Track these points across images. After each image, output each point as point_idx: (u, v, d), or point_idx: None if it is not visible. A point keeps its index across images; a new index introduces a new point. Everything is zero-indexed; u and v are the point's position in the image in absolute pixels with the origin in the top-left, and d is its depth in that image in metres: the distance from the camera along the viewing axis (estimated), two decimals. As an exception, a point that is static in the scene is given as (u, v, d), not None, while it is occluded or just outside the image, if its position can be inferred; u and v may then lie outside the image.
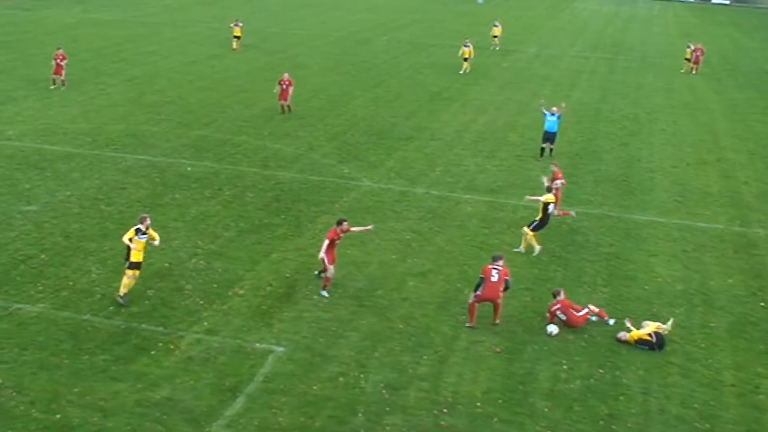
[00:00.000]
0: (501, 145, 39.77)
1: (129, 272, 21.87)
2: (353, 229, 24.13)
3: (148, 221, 22.34)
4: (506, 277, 21.88)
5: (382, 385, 19.01)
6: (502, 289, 21.76)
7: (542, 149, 37.01)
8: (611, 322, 22.19)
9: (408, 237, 27.40)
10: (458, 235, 27.96)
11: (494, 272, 21.67)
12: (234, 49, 59.67)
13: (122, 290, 21.86)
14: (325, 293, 23.05)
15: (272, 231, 27.28)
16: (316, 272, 24.00)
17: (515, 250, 26.78)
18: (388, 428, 17.47)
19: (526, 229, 26.80)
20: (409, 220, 28.70)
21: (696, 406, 19.00)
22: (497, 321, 21.89)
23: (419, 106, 46.85)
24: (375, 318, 22.02)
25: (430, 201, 31.19)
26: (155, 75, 50.85)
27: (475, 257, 26.19)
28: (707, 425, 18.33)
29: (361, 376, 19.31)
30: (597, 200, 32.50)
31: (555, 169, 30.33)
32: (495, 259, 22.08)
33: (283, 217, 28.64)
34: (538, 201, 26.79)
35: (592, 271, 25.88)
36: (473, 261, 25.87)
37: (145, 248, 22.17)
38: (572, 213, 29.12)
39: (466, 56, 57.02)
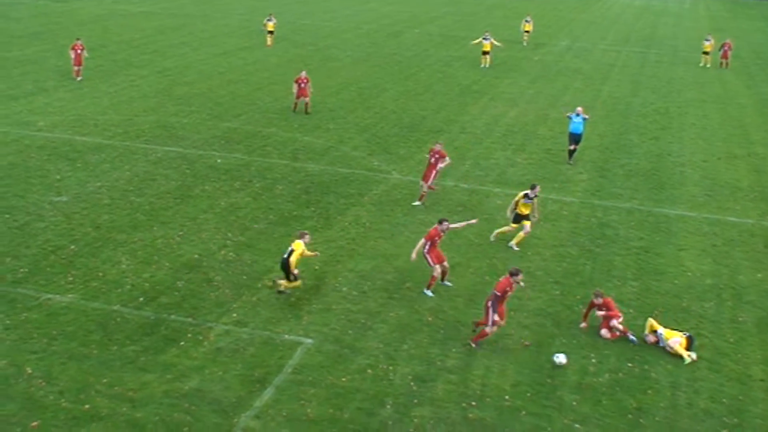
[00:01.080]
0: (531, 138, 39.66)
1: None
2: (454, 225, 24.10)
3: (308, 237, 22.65)
4: (495, 290, 20.38)
5: (410, 377, 19.08)
6: (489, 301, 20.55)
7: (570, 152, 35.93)
8: (634, 339, 21.45)
9: (462, 228, 27.15)
10: (488, 228, 27.90)
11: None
12: (268, 46, 59.64)
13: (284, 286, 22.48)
14: (429, 292, 23.10)
15: (301, 223, 27.41)
16: (443, 282, 23.67)
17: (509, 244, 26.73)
18: (416, 420, 17.55)
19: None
20: (438, 213, 28.68)
21: (724, 400, 18.91)
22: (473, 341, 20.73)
23: (449, 99, 46.80)
24: (404, 310, 22.09)
25: (459, 194, 31.20)
26: (186, 67, 51.18)
27: (505, 250, 26.19)
28: (735, 420, 18.25)
29: (390, 368, 19.38)
30: (627, 194, 32.34)
31: (439, 147, 30.07)
32: (513, 274, 20.41)
33: (312, 209, 28.78)
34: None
35: (622, 265, 25.78)
36: (502, 254, 25.89)
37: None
38: (426, 188, 29.69)
39: (486, 50, 56.69)
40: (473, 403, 18.24)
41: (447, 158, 29.89)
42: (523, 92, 49.74)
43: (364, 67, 54.46)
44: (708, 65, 61.65)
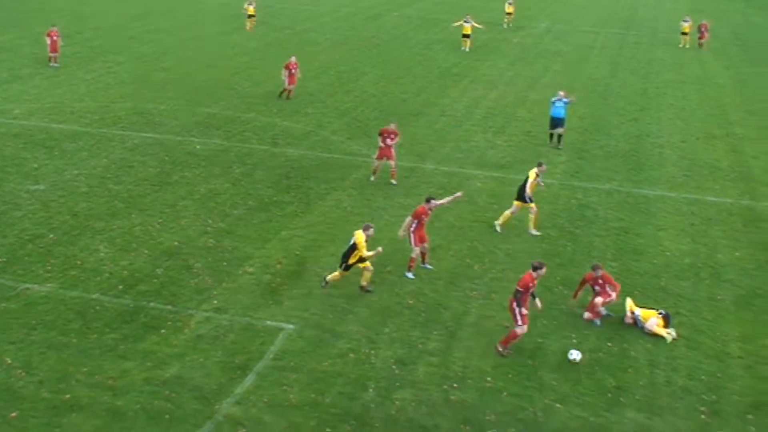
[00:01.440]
0: (511, 120, 39.71)
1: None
2: (440, 201, 24.04)
3: (371, 231, 22.06)
4: (517, 286, 19.76)
5: (392, 360, 19.12)
6: (513, 301, 19.77)
7: (551, 135, 35.80)
8: (598, 322, 21.48)
9: (449, 203, 27.10)
10: (468, 210, 27.99)
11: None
12: (247, 30, 59.29)
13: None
14: (410, 275, 23.09)
15: (282, 208, 27.36)
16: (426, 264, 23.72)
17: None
18: (397, 403, 17.60)
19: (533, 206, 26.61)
20: (418, 196, 28.68)
21: (703, 377, 19.07)
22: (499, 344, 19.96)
23: (429, 82, 46.77)
24: (385, 294, 22.11)
25: (439, 177, 31.23)
26: (163, 53, 50.88)
27: (485, 233, 26.26)
28: (714, 397, 18.41)
29: (371, 352, 19.41)
30: (606, 175, 32.45)
31: (393, 127, 30.28)
32: (532, 267, 19.93)
33: (292, 194, 28.72)
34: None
35: (602, 245, 25.90)
36: (483, 237, 25.95)
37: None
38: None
39: (467, 33, 56.54)
40: (455, 385, 18.31)
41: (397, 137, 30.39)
42: (503, 75, 49.75)
43: (343, 50, 54.31)
44: (687, 46, 61.81)
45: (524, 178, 26.68)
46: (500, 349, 19.59)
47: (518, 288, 19.54)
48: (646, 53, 59.06)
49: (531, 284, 19.54)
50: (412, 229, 22.93)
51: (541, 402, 17.91)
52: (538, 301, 19.99)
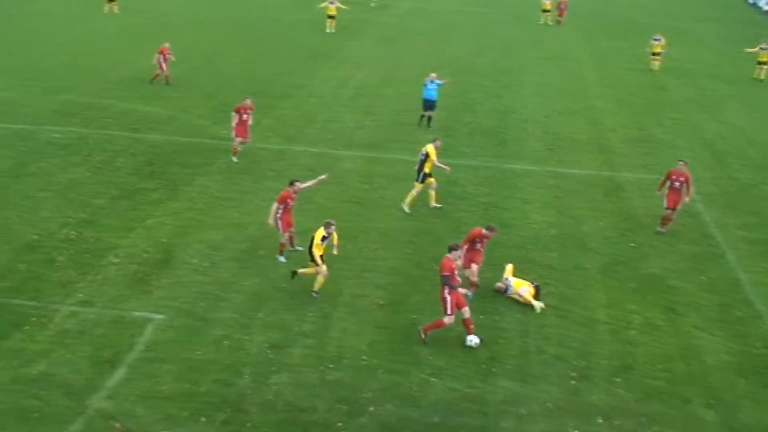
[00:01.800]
0: (378, 100, 39.85)
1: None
2: (305, 184, 23.62)
3: (333, 228, 21.17)
4: (443, 273, 19.26)
5: (266, 345, 18.90)
6: (445, 289, 19.28)
7: (422, 117, 35.79)
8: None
9: (312, 186, 26.94)
10: (338, 191, 27.94)
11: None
12: (107, 12, 57.24)
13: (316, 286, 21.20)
14: (282, 258, 22.77)
15: (146, 196, 26.65)
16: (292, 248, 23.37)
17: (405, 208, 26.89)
18: (274, 387, 17.42)
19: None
20: (287, 178, 28.38)
21: (573, 344, 19.62)
22: (424, 330, 19.55)
23: (296, 63, 46.44)
24: (257, 279, 21.84)
25: (308, 158, 31.04)
26: (14, 39, 48.70)
27: (356, 213, 26.27)
28: (583, 362, 18.97)
29: (246, 337, 19.14)
30: (473, 151, 32.95)
31: (249, 102, 30.48)
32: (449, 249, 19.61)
33: (157, 181, 28.00)
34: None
35: (471, 220, 26.24)
36: (354, 217, 25.94)
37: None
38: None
39: (332, 14, 56.33)
40: (331, 366, 18.26)
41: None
42: (369, 54, 49.88)
43: (206, 32, 53.30)
44: (549, 23, 63.32)
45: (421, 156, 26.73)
46: (423, 336, 19.42)
47: (444, 274, 19.16)
48: (507, 31, 60.27)
49: (454, 265, 19.30)
50: (279, 214, 22.68)
51: (417, 377, 18.06)
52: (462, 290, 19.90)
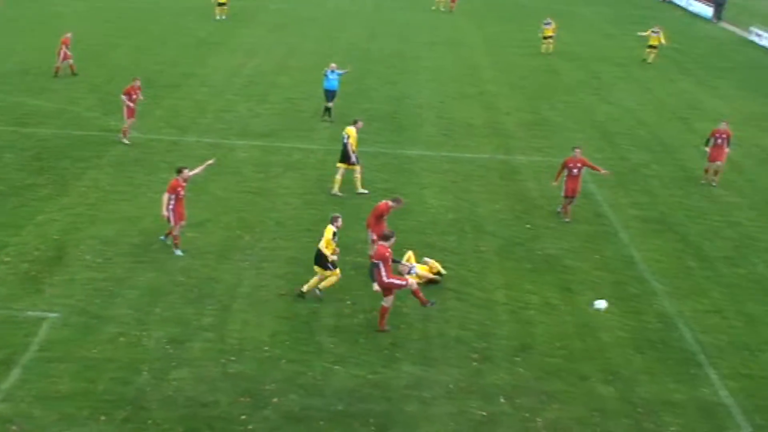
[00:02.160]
0: (272, 88, 39.49)
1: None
2: (193, 172, 23.07)
3: (341, 221, 20.69)
4: (374, 260, 19.28)
5: (165, 340, 18.52)
6: (383, 275, 19.12)
7: (327, 109, 34.90)
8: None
9: (200, 173, 26.48)
10: (234, 181, 27.60)
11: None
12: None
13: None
14: (179, 252, 22.26)
15: (35, 192, 25.78)
16: (163, 236, 22.88)
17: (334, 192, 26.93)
18: (175, 383, 17.10)
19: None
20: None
21: (473, 327, 19.84)
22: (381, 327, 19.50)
23: (186, 52, 45.62)
24: (153, 273, 21.38)
25: (202, 149, 30.52)
26: None
27: (252, 203, 26.00)
28: (484, 343, 19.21)
29: (143, 333, 18.72)
30: (370, 138, 32.85)
31: (138, 83, 30.64)
32: (382, 237, 19.74)
33: (46, 176, 27.11)
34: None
35: (370, 207, 26.04)
36: (250, 207, 25.67)
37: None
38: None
39: (222, 1, 55.44)
40: (232, 358, 18.02)
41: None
42: (262, 42, 49.36)
43: (91, 22, 51.75)
44: (441, 8, 63.79)
45: (342, 140, 26.86)
46: (385, 329, 19.31)
47: (375, 261, 19.06)
48: (401, 17, 60.44)
49: (388, 254, 19.19)
50: (171, 205, 22.19)
51: (320, 366, 17.98)
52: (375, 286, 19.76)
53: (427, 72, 44.73)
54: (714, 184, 30.18)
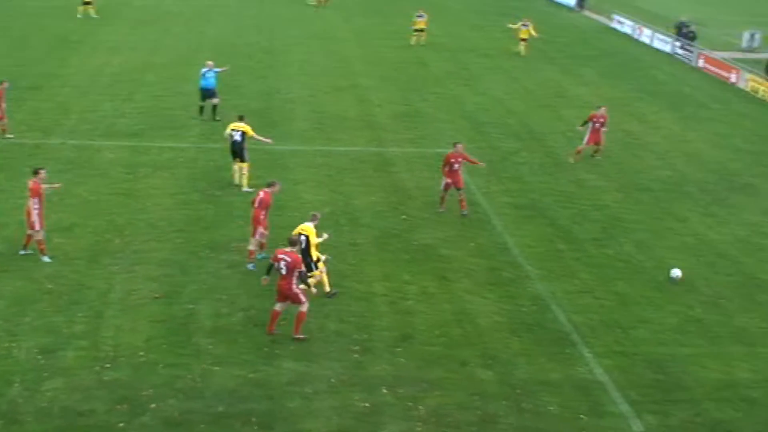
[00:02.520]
0: (138, 86, 38.55)
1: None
2: (52, 185, 22.49)
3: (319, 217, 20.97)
4: (298, 269, 18.75)
5: (36, 350, 17.86)
6: (293, 283, 18.78)
7: (201, 107, 34.10)
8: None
9: (47, 192, 25.74)
10: (102, 184, 26.83)
11: (282, 263, 18.72)
12: None
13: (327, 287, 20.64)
14: (46, 258, 21.53)
15: None
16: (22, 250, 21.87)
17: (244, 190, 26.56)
18: (48, 393, 16.50)
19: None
20: (48, 174, 26.98)
21: (352, 319, 19.84)
22: (296, 335, 18.95)
23: (46, 51, 44.08)
24: (20, 281, 20.57)
25: (67, 151, 29.56)
26: None
27: (122, 205, 25.34)
28: (365, 335, 19.24)
29: (12, 344, 18.00)
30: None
31: (5, 86, 30.22)
32: (290, 244, 19.24)
33: None
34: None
35: (243, 205, 25.82)
36: (120, 210, 25.01)
37: None
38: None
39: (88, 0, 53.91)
40: (107, 365, 17.50)
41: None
42: (126, 39, 48.12)
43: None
44: (310, 2, 63.51)
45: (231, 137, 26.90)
46: (300, 336, 18.88)
47: (298, 270, 18.66)
48: (268, 11, 59.91)
49: (40, 189, 19.33)
50: (37, 210, 21.36)
51: (198, 368, 17.65)
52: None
53: (297, 66, 44.48)
54: (598, 156, 32.20)
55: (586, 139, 31.81)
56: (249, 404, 16.65)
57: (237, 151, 26.92)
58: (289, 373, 17.69)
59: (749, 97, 44.83)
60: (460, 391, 17.56)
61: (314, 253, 20.49)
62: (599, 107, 32.50)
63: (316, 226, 20.69)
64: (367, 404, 16.91)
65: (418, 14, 52.21)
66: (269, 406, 16.64)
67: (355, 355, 18.52)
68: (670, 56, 54.78)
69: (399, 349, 18.87)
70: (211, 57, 40.66)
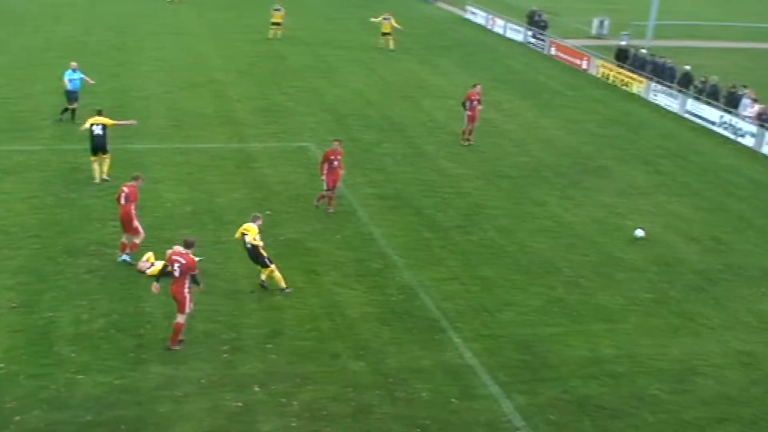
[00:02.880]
0: (-17, 88, 36.82)
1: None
2: None
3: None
4: (192, 272, 18.27)
5: None
6: (186, 286, 18.23)
7: (65, 110, 32.60)
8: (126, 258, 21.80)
9: None
10: (-51, 193, 25.51)
11: (176, 265, 18.21)
12: None
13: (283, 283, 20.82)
14: None
15: None
16: None
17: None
18: None
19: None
20: None
21: (221, 318, 19.51)
22: (172, 346, 18.33)
23: None
24: None
25: None
26: None
27: (-31, 211, 24.16)
28: (234, 334, 18.96)
29: None
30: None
31: None
32: (186, 245, 18.60)
33: None
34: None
35: (100, 206, 25.12)
36: (-34, 215, 23.84)
37: None
38: None
39: None
40: (-38, 382, 16.67)
41: None
42: (-34, 40, 45.90)
43: None
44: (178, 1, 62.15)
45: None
46: (175, 348, 18.19)
47: (191, 273, 18.09)
48: (119, 7, 58.25)
49: (195, 263, 18.28)
50: None
51: (62, 377, 17.00)
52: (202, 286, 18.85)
53: (151, 63, 43.41)
54: (471, 142, 33.22)
55: (466, 118, 33.11)
56: (117, 411, 16.14)
57: (99, 145, 26.55)
58: (157, 378, 17.24)
59: (600, 83, 46.48)
60: (333, 383, 17.52)
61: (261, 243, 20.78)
62: (474, 85, 33.83)
63: (259, 227, 20.83)
64: (239, 403, 16.66)
65: (274, 8, 51.81)
66: (138, 412, 16.18)
67: (225, 355, 18.22)
68: (523, 45, 56.21)
69: (269, 346, 18.68)
70: (61, 56, 39.44)
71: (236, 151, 30.91)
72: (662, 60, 45.18)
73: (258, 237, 20.71)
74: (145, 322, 19.05)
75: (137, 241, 21.83)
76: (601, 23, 60.37)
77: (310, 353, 18.52)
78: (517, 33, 57.86)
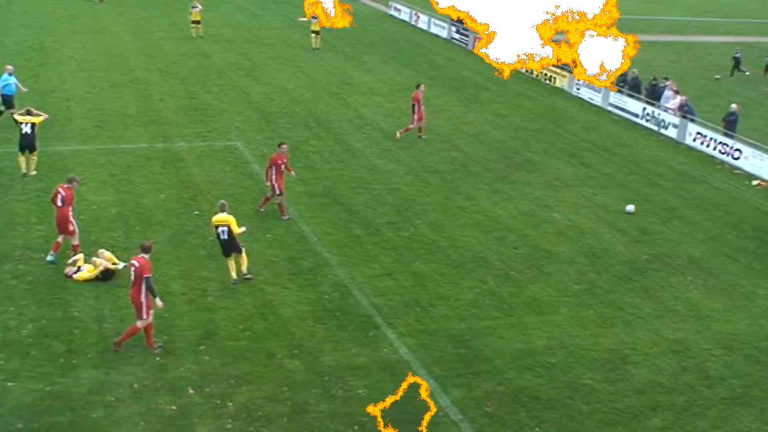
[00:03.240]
0: None
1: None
2: None
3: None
4: (145, 275, 17.86)
5: None
6: (142, 291, 17.89)
7: (1, 113, 31.77)
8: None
9: None
10: None
11: (132, 269, 18.08)
12: None
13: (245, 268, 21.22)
14: None
15: None
16: None
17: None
18: None
19: None
20: None
21: (152, 321, 19.13)
22: (118, 344, 18.06)
23: None
24: None
25: None
26: None
27: None
28: (166, 337, 18.66)
29: None
30: (15, 138, 30.62)
31: None
32: (143, 250, 18.33)
33: None
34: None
35: (24, 210, 24.52)
36: None
37: None
38: None
39: None
40: None
41: None
42: None
43: None
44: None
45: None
46: (116, 348, 17.88)
47: (146, 276, 17.70)
48: (37, 7, 56.87)
49: (149, 267, 17.97)
50: None
51: (-11, 386, 16.56)
52: (158, 301, 18.26)
53: (71, 62, 42.47)
54: (423, 136, 33.94)
55: (414, 118, 33.54)
56: (50, 418, 15.79)
57: (28, 143, 26.74)
58: (89, 383, 16.90)
59: (525, 78, 46.96)
60: (269, 383, 17.39)
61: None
62: (418, 86, 33.98)
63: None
64: (174, 407, 16.43)
65: (192, 5, 51.17)
66: (71, 418, 15.84)
67: (158, 358, 17.94)
68: (447, 41, 56.54)
69: (203, 348, 18.46)
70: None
71: (162, 152, 30.43)
72: (584, 54, 45.82)
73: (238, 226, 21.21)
74: (74, 327, 18.64)
75: (75, 242, 21.45)
76: (524, 18, 60.94)
77: (244, 353, 18.35)
78: (441, 29, 58.15)
